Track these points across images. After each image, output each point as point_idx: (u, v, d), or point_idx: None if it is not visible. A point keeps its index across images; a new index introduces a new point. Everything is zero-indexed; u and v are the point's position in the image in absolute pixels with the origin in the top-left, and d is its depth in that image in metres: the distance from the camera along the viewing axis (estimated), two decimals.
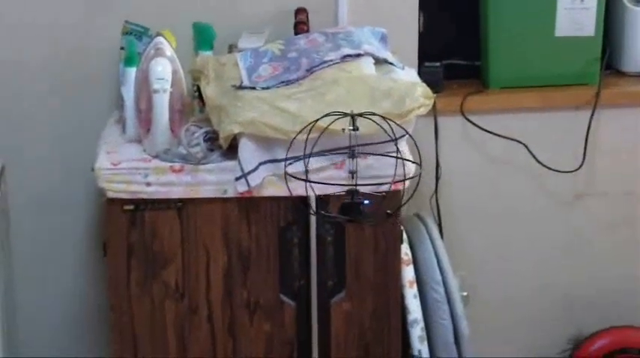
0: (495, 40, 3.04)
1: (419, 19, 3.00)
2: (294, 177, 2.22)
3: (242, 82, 2.47)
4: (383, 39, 2.65)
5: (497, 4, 3.01)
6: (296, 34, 2.72)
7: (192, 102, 2.63)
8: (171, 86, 2.41)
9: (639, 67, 3.17)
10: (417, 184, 2.21)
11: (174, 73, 2.44)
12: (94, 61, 2.84)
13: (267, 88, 2.43)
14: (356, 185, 2.13)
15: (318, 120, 2.17)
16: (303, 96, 2.38)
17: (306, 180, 2.16)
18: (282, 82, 2.44)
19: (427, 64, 3.03)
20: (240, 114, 2.33)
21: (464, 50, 3.15)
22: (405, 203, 2.26)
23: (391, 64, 2.55)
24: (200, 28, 2.69)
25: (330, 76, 2.43)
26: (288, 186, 2.24)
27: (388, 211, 2.24)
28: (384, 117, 2.15)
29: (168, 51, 2.45)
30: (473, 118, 3.02)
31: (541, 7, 3.03)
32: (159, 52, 2.43)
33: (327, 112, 2.24)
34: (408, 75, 2.56)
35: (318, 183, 2.22)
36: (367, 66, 2.48)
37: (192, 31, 2.70)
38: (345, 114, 2.12)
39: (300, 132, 2.18)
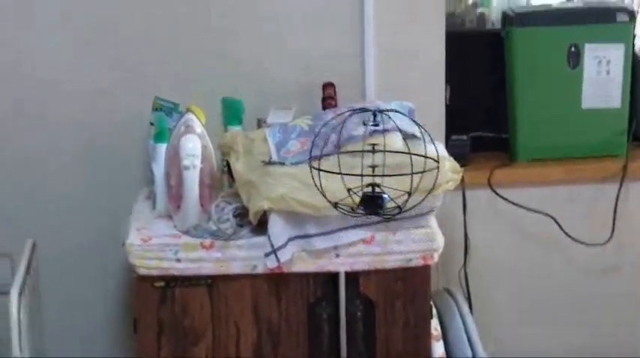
0: (522, 112, 3.05)
1: (445, 92, 3.01)
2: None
3: (271, 158, 2.48)
4: (411, 113, 2.65)
5: (524, 76, 3.03)
6: (324, 108, 2.74)
7: (222, 178, 2.64)
8: (201, 162, 2.43)
9: None
10: None
11: (204, 148, 2.45)
12: (125, 136, 2.85)
13: (297, 163, 2.45)
14: (373, 175, 2.16)
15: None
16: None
17: None
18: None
19: (454, 136, 3.04)
20: (270, 190, 2.34)
21: (491, 122, 3.17)
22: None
23: (419, 138, 2.56)
24: (229, 103, 2.72)
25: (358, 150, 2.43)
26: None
27: (399, 205, 2.21)
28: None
29: (198, 127, 2.47)
30: (501, 191, 3.01)
31: (567, 80, 3.04)
32: (189, 129, 2.44)
33: (353, 187, 2.26)
34: (436, 149, 2.57)
35: None
36: (396, 140, 2.49)
37: (222, 106, 2.72)
38: (367, 110, 2.13)
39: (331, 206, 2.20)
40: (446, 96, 3.02)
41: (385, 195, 2.22)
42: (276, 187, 2.35)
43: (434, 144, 2.55)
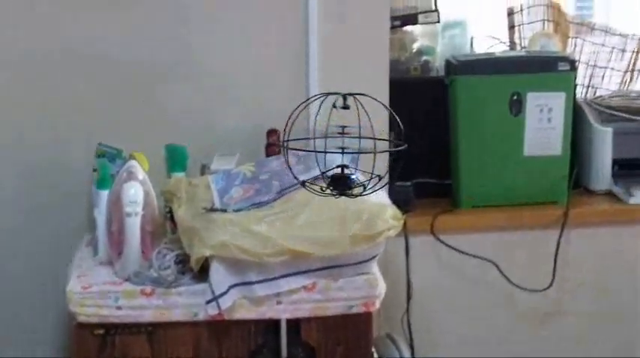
0: (465, 159, 3.08)
1: (389, 138, 3.03)
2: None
3: (214, 204, 2.49)
4: (354, 160, 2.67)
5: (467, 123, 3.06)
6: (267, 155, 2.76)
7: (164, 224, 2.64)
8: (143, 208, 2.43)
9: (607, 185, 3.22)
10: None
11: (146, 195, 2.45)
12: (67, 182, 2.84)
13: (239, 210, 2.45)
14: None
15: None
16: (274, 218, 2.41)
17: None
18: (254, 205, 2.46)
19: (398, 183, 3.06)
20: (212, 237, 2.35)
21: (434, 169, 3.19)
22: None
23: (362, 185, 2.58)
24: (173, 149, 2.72)
25: (301, 198, 2.45)
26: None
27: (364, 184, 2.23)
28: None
29: (141, 174, 2.47)
30: (443, 237, 3.04)
31: (509, 127, 3.07)
32: (131, 176, 2.45)
33: (297, 235, 2.29)
34: (378, 196, 2.59)
35: None
36: None
37: (165, 153, 2.73)
38: (336, 94, 2.14)
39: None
40: (390, 145, 3.03)
41: (353, 176, 2.24)
42: (217, 234, 2.35)
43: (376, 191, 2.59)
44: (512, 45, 3.43)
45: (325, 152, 2.20)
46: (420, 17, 3.19)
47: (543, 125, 3.09)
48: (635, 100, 3.31)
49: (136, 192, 2.41)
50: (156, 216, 2.53)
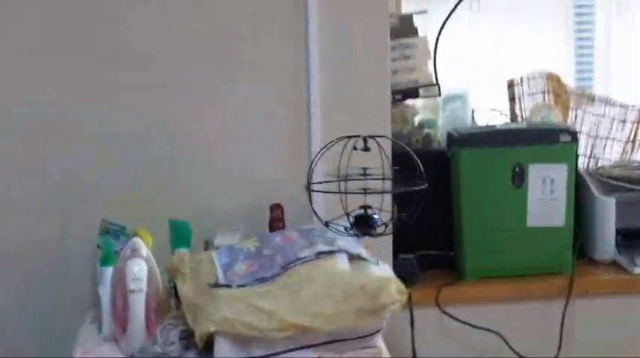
0: (468, 231, 3.09)
1: (392, 211, 3.05)
2: None
3: (218, 280, 2.49)
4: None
5: (470, 195, 3.08)
6: (271, 230, 2.77)
7: (169, 300, 2.64)
8: (147, 285, 2.44)
9: (611, 255, 3.22)
10: None
11: (150, 272, 2.47)
12: (71, 258, 2.86)
13: (243, 285, 2.46)
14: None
15: None
16: (279, 293, 2.41)
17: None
18: (258, 280, 2.47)
19: (402, 255, 3.07)
20: (216, 313, 2.35)
21: (438, 240, 3.20)
22: None
23: (365, 259, 2.59)
24: (176, 225, 2.73)
25: (304, 273, 2.45)
26: None
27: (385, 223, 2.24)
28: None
29: (144, 251, 2.48)
30: (449, 310, 3.03)
31: (512, 199, 3.09)
32: (135, 253, 2.46)
33: (301, 309, 2.29)
34: (382, 270, 2.59)
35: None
36: (341, 262, 2.51)
37: (169, 229, 2.74)
38: (355, 137, 2.28)
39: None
40: (393, 216, 3.05)
41: (376, 216, 2.23)
42: (222, 310, 2.35)
43: (380, 264, 2.60)
44: (514, 117, 3.45)
45: (348, 193, 2.25)
46: (421, 91, 3.22)
47: (546, 196, 3.10)
48: (636, 170, 3.33)
49: (140, 269, 2.42)
50: (160, 292, 2.54)
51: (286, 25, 2.90)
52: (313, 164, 2.17)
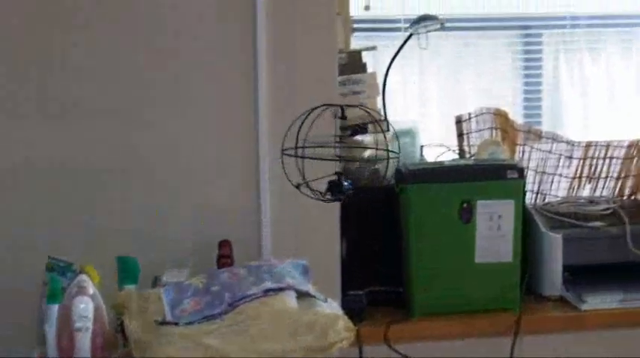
0: (417, 267, 3.09)
1: (341, 248, 3.05)
2: None
3: (165, 317, 2.47)
4: (305, 271, 2.68)
5: (418, 231, 3.08)
6: (219, 267, 2.75)
7: (116, 337, 2.61)
8: (94, 323, 2.41)
9: (559, 291, 3.24)
10: None
11: (97, 309, 2.43)
12: (18, 295, 2.82)
13: (191, 323, 2.44)
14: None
15: None
16: (226, 331, 2.39)
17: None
18: (205, 317, 2.45)
19: (350, 292, 3.07)
20: (163, 351, 2.32)
21: (387, 277, 3.20)
22: None
23: (313, 296, 2.58)
24: (124, 261, 2.71)
25: (252, 310, 2.44)
26: None
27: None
28: None
29: (91, 288, 2.45)
30: (398, 347, 3.02)
31: (460, 235, 3.10)
32: (81, 290, 2.42)
33: (249, 347, 2.28)
34: (330, 307, 2.58)
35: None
36: (289, 299, 2.50)
37: (117, 265, 2.71)
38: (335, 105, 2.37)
39: None
40: (342, 252, 3.06)
41: (346, 183, 2.27)
42: (169, 348, 2.33)
43: (328, 301, 2.59)
44: (462, 153, 3.47)
45: (322, 159, 2.31)
46: (370, 127, 3.23)
47: (494, 232, 3.12)
48: (583, 206, 3.37)
49: (87, 307, 2.39)
50: (107, 330, 2.51)
51: (233, 64, 2.91)
52: (289, 130, 2.24)
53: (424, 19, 3.44)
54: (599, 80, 4.20)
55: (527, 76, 4.14)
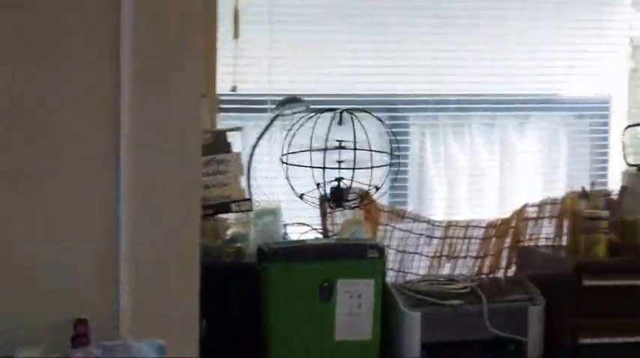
0: (277, 345, 3.12)
1: (201, 327, 3.05)
2: None
3: None
4: (161, 351, 2.68)
5: (279, 310, 3.12)
6: (75, 346, 2.72)
7: None
8: None
9: None
10: None
11: None
12: None
13: None
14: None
15: None
16: None
17: None
18: None
19: None
20: None
21: (249, 354, 3.21)
22: None
23: None
24: None
25: None
26: None
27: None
28: None
29: None
30: None
31: (320, 313, 3.15)
32: None
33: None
34: None
35: None
36: None
37: None
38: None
39: None
40: (201, 331, 3.05)
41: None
42: None
43: None
44: (325, 232, 3.52)
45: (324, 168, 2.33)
46: (233, 206, 3.27)
47: (353, 311, 3.17)
48: (442, 285, 3.44)
49: None
50: None
51: (98, 150, 2.91)
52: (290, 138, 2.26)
53: (289, 101, 3.52)
54: (462, 161, 4.30)
55: (393, 156, 4.20)
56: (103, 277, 2.90)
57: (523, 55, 4.37)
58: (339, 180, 2.40)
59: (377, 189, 2.38)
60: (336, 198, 2.41)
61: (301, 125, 2.47)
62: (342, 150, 2.43)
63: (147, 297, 2.94)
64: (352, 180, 2.41)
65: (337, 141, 2.45)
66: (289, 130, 2.40)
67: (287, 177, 2.36)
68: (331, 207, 2.44)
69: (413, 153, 4.25)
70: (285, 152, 2.29)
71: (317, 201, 2.38)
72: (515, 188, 4.38)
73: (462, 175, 4.31)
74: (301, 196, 2.33)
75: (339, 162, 2.41)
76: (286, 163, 2.32)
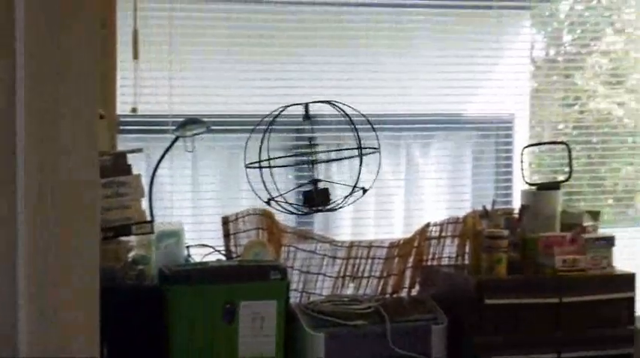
0: None
1: (102, 351, 3.00)
2: None
3: None
4: None
5: (182, 332, 3.10)
6: None
7: None
8: None
9: None
10: None
11: None
12: None
13: None
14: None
15: None
16: None
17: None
18: None
19: None
20: None
21: None
22: None
23: None
24: None
25: None
26: None
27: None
28: None
29: None
30: None
31: (223, 335, 3.13)
32: None
33: None
34: None
35: None
36: None
37: None
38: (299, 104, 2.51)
39: None
40: (102, 356, 3.01)
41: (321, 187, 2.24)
42: None
43: None
44: (228, 253, 3.51)
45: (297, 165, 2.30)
46: (134, 228, 3.23)
47: (256, 332, 3.15)
48: (346, 305, 3.44)
49: None
50: None
51: None
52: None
53: (190, 122, 3.50)
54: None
55: (299, 177, 4.21)
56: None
57: (427, 74, 4.42)
58: (315, 181, 2.36)
59: (364, 191, 2.33)
60: (311, 201, 2.35)
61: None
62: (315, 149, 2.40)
63: (44, 319, 2.89)
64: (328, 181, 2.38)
65: (308, 138, 2.43)
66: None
67: (250, 183, 2.32)
68: (312, 210, 2.38)
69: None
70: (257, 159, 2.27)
71: (287, 207, 2.33)
72: (422, 207, 4.42)
73: (369, 195, 4.32)
74: (268, 202, 2.29)
75: (313, 162, 2.38)
76: (259, 167, 2.28)
